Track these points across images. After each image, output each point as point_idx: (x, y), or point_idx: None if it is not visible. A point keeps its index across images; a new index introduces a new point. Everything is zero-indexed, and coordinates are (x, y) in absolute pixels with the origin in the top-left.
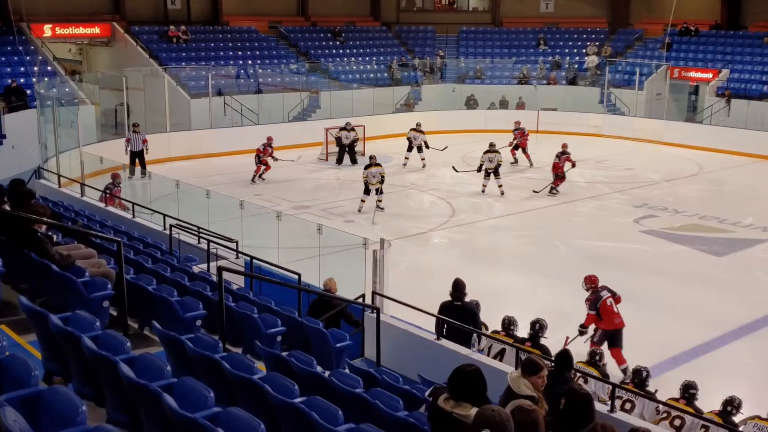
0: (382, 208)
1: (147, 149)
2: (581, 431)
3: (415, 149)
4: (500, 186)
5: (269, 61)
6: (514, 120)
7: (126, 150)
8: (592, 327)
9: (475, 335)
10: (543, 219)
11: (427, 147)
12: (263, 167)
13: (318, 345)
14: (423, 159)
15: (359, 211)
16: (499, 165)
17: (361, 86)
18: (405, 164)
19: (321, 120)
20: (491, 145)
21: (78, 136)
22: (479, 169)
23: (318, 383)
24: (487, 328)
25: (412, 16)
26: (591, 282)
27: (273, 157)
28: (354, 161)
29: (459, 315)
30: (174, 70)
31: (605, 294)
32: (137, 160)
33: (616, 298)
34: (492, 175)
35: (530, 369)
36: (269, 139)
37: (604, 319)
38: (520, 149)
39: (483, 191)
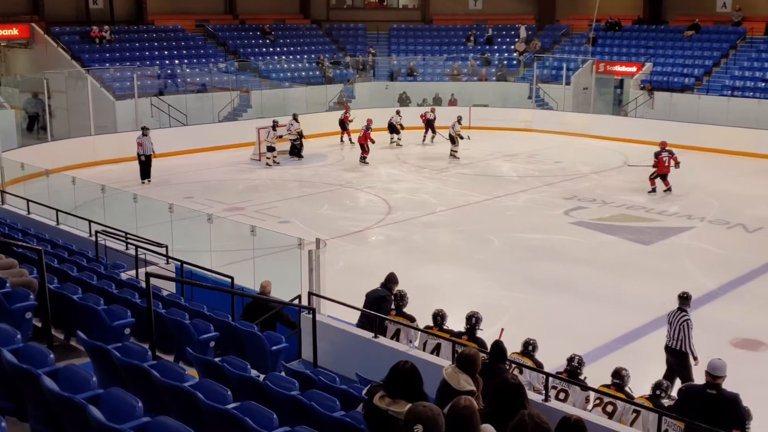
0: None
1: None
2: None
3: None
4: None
5: (197, 61)
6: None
7: (139, 155)
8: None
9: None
10: (477, 214)
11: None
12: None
13: (253, 349)
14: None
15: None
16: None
17: (293, 85)
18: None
19: (252, 120)
20: (459, 117)
21: None
22: (452, 140)
23: (252, 388)
24: (414, 320)
25: (342, 14)
26: (663, 145)
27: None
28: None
29: (368, 300)
30: (97, 71)
31: (664, 154)
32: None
33: (674, 157)
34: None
35: (467, 365)
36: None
37: (657, 167)
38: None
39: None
